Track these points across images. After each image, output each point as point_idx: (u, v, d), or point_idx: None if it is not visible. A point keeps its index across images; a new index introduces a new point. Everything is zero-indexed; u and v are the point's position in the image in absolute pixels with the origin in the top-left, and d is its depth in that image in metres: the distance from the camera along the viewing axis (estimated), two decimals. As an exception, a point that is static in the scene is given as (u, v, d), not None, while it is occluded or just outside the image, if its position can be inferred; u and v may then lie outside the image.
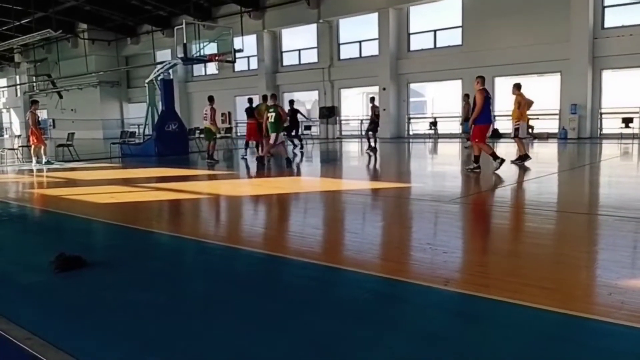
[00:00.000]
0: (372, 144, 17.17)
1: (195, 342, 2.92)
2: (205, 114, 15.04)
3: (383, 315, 3.30)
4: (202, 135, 18.04)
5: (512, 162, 11.26)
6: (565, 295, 3.53)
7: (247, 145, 16.89)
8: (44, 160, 15.27)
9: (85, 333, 3.11)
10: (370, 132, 17.42)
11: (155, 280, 4.17)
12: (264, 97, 15.46)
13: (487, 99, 10.21)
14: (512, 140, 12.30)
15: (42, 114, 45.34)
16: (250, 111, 15.99)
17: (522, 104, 11.45)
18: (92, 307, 3.55)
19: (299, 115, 18.34)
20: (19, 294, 3.88)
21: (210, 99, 15.42)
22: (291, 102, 18.25)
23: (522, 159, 11.33)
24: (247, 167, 14.03)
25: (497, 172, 9.81)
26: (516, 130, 11.62)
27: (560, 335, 2.95)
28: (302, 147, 18.09)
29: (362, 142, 24.13)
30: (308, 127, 25.78)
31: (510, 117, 12.31)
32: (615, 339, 2.83)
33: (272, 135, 12.93)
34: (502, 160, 10.03)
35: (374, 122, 17.49)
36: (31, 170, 14.08)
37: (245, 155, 16.24)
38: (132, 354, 2.82)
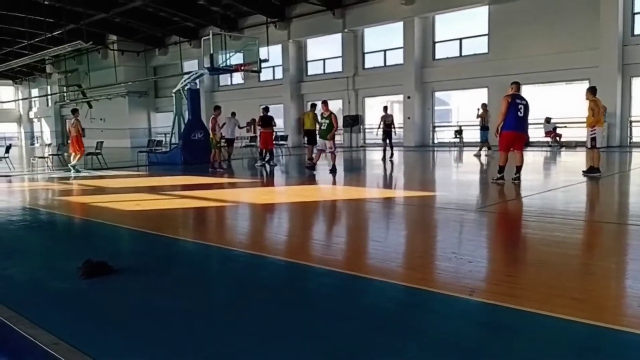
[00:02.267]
0: (386, 154, 17.22)
1: (220, 348, 2.94)
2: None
3: (408, 325, 3.26)
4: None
5: (584, 173, 10.54)
6: (594, 306, 3.44)
7: (261, 153, 17.01)
8: (74, 164, 15.54)
9: (111, 339, 3.14)
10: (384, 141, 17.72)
11: (180, 287, 4.20)
12: (312, 106, 16.06)
13: (514, 105, 9.46)
14: (585, 150, 11.32)
15: (73, 123, 46.49)
16: (266, 120, 16.16)
17: (596, 110, 10.51)
18: (119, 313, 3.59)
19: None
20: (46, 299, 3.94)
21: (215, 108, 16.04)
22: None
23: (592, 170, 10.42)
24: (268, 175, 14.10)
25: (494, 181, 9.68)
26: (592, 140, 10.62)
27: (589, 347, 2.87)
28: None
29: (385, 150, 24.04)
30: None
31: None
32: (646, 352, 2.74)
33: (321, 142, 13.54)
34: (502, 179, 9.62)
35: (384, 131, 17.74)
36: (61, 178, 14.37)
37: (261, 163, 16.33)
38: (159, 358, 2.84)
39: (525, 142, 10.15)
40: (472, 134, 24.31)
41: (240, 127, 19.27)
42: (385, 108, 18.57)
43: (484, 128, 17.97)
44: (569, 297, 3.56)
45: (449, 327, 3.19)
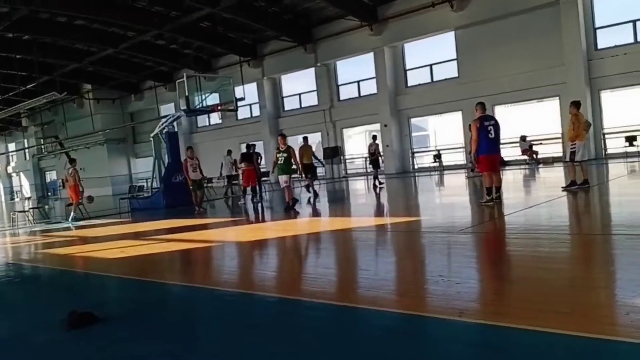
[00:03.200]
0: (375, 182, 17.42)
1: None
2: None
3: (399, 352, 3.25)
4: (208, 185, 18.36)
5: (564, 188, 10.70)
6: (582, 317, 3.48)
7: (244, 191, 17.07)
8: (73, 216, 15.80)
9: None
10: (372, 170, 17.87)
11: (168, 331, 4.14)
12: (305, 139, 16.67)
13: (483, 129, 9.47)
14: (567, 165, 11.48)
15: (52, 175, 46.12)
16: (247, 157, 16.28)
17: (577, 124, 10.65)
18: (105, 363, 3.53)
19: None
20: (31, 353, 3.86)
21: (186, 149, 16.29)
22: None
23: (572, 184, 10.59)
24: (252, 213, 14.07)
25: (484, 203, 9.54)
26: (572, 154, 10.81)
27: (580, 358, 2.89)
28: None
29: (368, 179, 24.21)
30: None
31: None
32: (636, 358, 2.77)
33: (281, 178, 12.86)
34: (492, 200, 9.49)
35: (371, 160, 17.93)
36: (43, 231, 14.18)
37: (244, 201, 16.40)
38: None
39: (499, 162, 10.12)
40: (451, 157, 24.67)
41: (235, 165, 19.55)
42: (374, 137, 18.84)
43: None
44: (557, 311, 3.59)
45: (441, 350, 3.19)
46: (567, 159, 10.95)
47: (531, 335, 3.19)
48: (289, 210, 12.34)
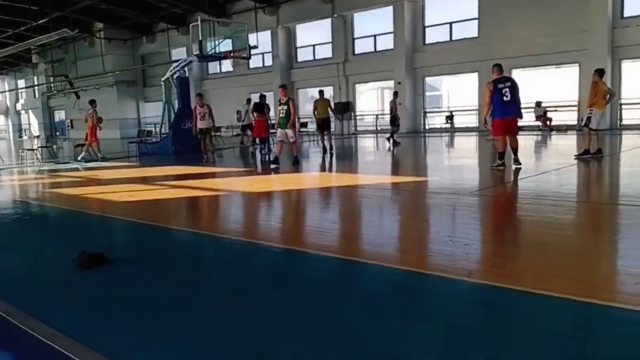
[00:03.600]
0: (390, 140, 17.26)
1: (219, 335, 2.94)
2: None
3: (406, 307, 3.28)
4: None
5: (576, 156, 10.63)
6: (590, 284, 3.48)
7: (254, 141, 16.95)
8: (83, 156, 16.28)
9: (110, 328, 3.12)
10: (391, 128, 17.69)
11: (176, 276, 4.19)
12: (320, 92, 15.95)
13: (497, 91, 9.28)
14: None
15: (60, 115, 46.12)
16: (259, 107, 16.05)
17: (594, 91, 10.53)
18: (116, 303, 3.58)
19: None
20: (43, 292, 3.92)
21: (196, 96, 16.10)
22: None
23: (585, 153, 10.51)
24: (260, 164, 14.06)
25: (494, 167, 9.48)
26: (587, 119, 10.69)
27: (587, 325, 2.92)
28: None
29: (377, 137, 24.06)
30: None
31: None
32: (643, 329, 2.77)
33: (280, 132, 12.25)
34: (503, 164, 9.37)
35: (390, 117, 17.70)
36: (51, 170, 14.26)
37: (255, 151, 16.32)
38: (157, 348, 2.83)
39: (517, 124, 9.75)
40: (463, 119, 24.40)
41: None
42: (396, 93, 18.56)
43: None
44: (565, 277, 3.59)
45: (448, 308, 3.21)
46: (583, 123, 10.82)
47: (539, 298, 3.19)
48: (296, 164, 12.04)
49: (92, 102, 16.90)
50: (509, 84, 9.39)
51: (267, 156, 15.49)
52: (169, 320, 3.21)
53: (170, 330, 3.06)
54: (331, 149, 15.14)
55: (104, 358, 2.65)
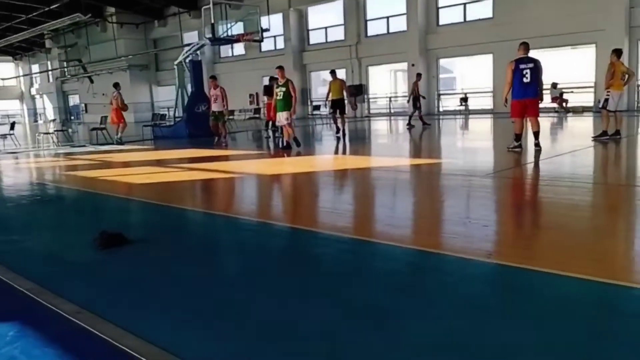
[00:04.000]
0: (410, 122, 17.25)
1: (241, 310, 2.96)
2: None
3: (427, 287, 3.28)
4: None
5: (594, 138, 10.60)
6: (612, 266, 3.45)
7: (267, 124, 16.85)
8: (118, 138, 16.63)
9: (134, 305, 3.16)
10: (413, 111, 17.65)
11: (196, 255, 4.22)
12: (332, 72, 15.52)
13: (518, 71, 9.11)
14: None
15: (74, 99, 46.39)
16: (271, 90, 15.94)
17: (611, 72, 10.47)
18: (138, 280, 3.62)
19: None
20: (65, 270, 3.97)
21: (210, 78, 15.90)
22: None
23: (603, 134, 10.48)
24: (274, 147, 14.05)
25: (511, 149, 9.28)
26: (605, 101, 10.61)
27: (611, 305, 2.89)
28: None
29: (391, 119, 23.94)
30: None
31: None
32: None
33: (279, 116, 11.95)
34: (520, 146, 9.27)
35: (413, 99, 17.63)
36: (68, 154, 14.39)
37: (268, 135, 16.24)
38: (181, 323, 2.86)
39: (537, 107, 9.39)
40: (478, 102, 24.15)
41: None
42: (419, 75, 18.44)
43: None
44: (587, 258, 3.56)
45: (468, 288, 3.20)
46: (600, 105, 10.78)
47: (560, 279, 3.17)
48: (288, 149, 11.81)
49: (117, 85, 17.21)
50: (531, 65, 9.15)
51: (280, 139, 15.39)
52: (191, 296, 3.24)
53: (193, 305, 3.09)
54: (344, 132, 14.97)
55: (128, 334, 2.68)
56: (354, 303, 3.03)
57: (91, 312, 2.98)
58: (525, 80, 9.11)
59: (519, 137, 9.35)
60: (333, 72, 15.62)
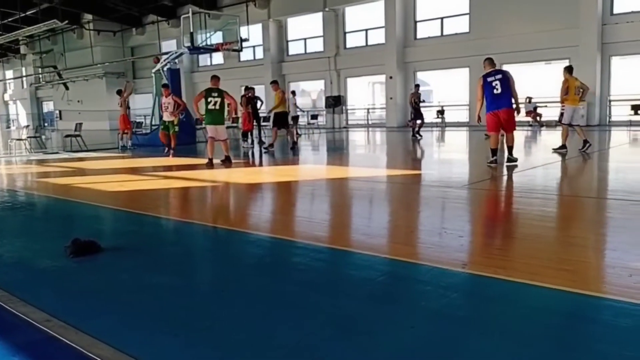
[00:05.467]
0: (419, 134, 17.38)
1: (215, 321, 2.92)
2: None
3: (402, 297, 3.29)
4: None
5: (554, 150, 11.02)
6: (585, 277, 3.50)
7: (244, 134, 16.78)
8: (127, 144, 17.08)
9: (105, 314, 3.10)
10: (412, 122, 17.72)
11: (170, 264, 4.16)
12: (274, 82, 14.77)
13: (487, 85, 9.02)
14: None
15: (49, 106, 45.67)
16: (246, 100, 15.99)
17: (564, 88, 10.98)
18: (110, 289, 3.55)
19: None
20: (36, 278, 3.88)
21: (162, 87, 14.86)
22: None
23: (562, 147, 10.93)
24: (252, 156, 14.01)
25: (488, 164, 9.16)
26: (560, 115, 11.10)
27: (583, 315, 2.92)
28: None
29: (369, 131, 24.08)
30: (314, 117, 25.78)
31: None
32: (638, 319, 2.79)
33: (211, 128, 10.90)
34: (496, 161, 9.14)
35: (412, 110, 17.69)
36: (41, 160, 14.13)
37: (245, 145, 16.20)
38: (153, 333, 2.81)
39: (512, 118, 9.21)
40: (454, 114, 24.46)
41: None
42: (417, 86, 18.55)
43: None
44: (559, 269, 3.61)
45: (443, 298, 3.21)
46: (557, 120, 11.63)
47: (534, 289, 3.21)
48: (226, 162, 10.97)
49: (120, 92, 17.52)
50: (499, 76, 9.06)
51: (250, 150, 15.26)
52: (163, 306, 3.19)
53: (165, 314, 3.04)
54: (294, 144, 14.73)
55: (99, 342, 2.62)
56: (329, 313, 3.02)
57: (61, 321, 2.91)
58: (496, 91, 8.99)
59: (494, 151, 9.26)
60: (275, 82, 15.12)
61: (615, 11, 19.84)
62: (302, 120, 26.37)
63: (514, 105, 9.27)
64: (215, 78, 11.23)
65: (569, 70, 11.16)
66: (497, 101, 9.06)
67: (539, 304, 3.07)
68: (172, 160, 12.80)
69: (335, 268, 4.03)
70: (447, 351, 2.53)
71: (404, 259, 3.99)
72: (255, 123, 16.64)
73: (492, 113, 9.14)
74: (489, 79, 9.08)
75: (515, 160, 9.15)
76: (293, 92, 21.64)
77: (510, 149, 9.27)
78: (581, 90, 11.30)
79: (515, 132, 9.41)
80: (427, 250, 4.30)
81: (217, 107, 10.73)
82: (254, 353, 2.57)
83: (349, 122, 28.54)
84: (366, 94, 30.35)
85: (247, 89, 17.33)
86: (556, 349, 2.53)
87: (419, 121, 17.57)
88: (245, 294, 3.38)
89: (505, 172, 8.79)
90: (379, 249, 4.33)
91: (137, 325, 2.92)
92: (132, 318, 3.03)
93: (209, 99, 10.77)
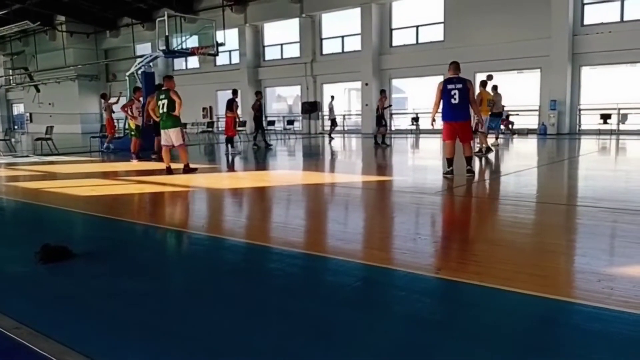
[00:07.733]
0: (378, 141, 17.30)
1: (189, 327, 2.89)
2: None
3: (376, 302, 3.30)
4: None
5: (474, 154, 11.05)
6: (556, 282, 3.57)
7: (229, 140, 16.68)
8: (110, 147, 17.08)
9: (75, 321, 3.04)
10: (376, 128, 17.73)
11: (142, 269, 4.11)
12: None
13: (446, 92, 8.56)
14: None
15: (19, 108, 44.73)
16: (229, 104, 15.94)
17: (479, 100, 11.82)
18: (81, 296, 3.49)
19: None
20: (5, 284, 3.79)
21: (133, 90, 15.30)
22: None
23: (482, 150, 12.39)
24: (228, 162, 13.93)
25: (444, 175, 8.85)
26: (476, 124, 11.53)
27: (554, 320, 2.98)
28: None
29: (345, 137, 24.17)
30: (290, 122, 25.81)
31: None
32: (607, 323, 2.85)
33: (164, 134, 10.11)
34: (451, 173, 8.65)
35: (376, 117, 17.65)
36: (9, 164, 13.82)
37: (227, 151, 16.07)
38: (125, 340, 2.77)
39: (469, 131, 8.99)
40: (428, 122, 24.67)
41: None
42: (382, 91, 18.45)
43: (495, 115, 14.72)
44: (532, 274, 3.68)
45: (417, 303, 3.24)
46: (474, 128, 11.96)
47: (507, 295, 3.26)
48: (191, 172, 10.20)
49: (104, 96, 17.84)
50: (460, 85, 8.53)
51: (231, 156, 15.19)
52: (136, 312, 3.15)
53: (138, 321, 3.00)
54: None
55: (70, 350, 2.57)
56: (305, 318, 3.02)
57: (30, 328, 2.85)
58: (453, 101, 8.56)
59: (450, 161, 8.78)
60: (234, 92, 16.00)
61: (586, 22, 20.33)
62: (279, 126, 26.40)
63: (472, 117, 9.00)
64: (167, 78, 10.43)
65: (483, 84, 13.11)
66: (454, 111, 8.66)
67: (511, 308, 3.12)
68: (140, 165, 12.64)
69: (310, 273, 4.03)
70: (421, 356, 2.55)
71: (379, 265, 4.01)
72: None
73: (449, 123, 8.78)
74: (449, 87, 8.62)
75: (473, 173, 8.72)
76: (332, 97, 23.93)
77: (468, 159, 8.78)
78: (493, 102, 13.35)
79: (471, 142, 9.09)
80: (401, 255, 4.33)
81: (165, 109, 9.84)
82: (229, 359, 2.55)
83: (325, 128, 28.58)
84: (342, 101, 30.46)
85: (257, 93, 17.45)
86: (527, 352, 2.57)
87: (382, 129, 17.50)
88: (221, 300, 3.35)
89: (477, 178, 8.90)
90: (355, 255, 4.34)
91: (109, 332, 2.87)
92: (104, 325, 2.98)
93: (158, 102, 10.04)
